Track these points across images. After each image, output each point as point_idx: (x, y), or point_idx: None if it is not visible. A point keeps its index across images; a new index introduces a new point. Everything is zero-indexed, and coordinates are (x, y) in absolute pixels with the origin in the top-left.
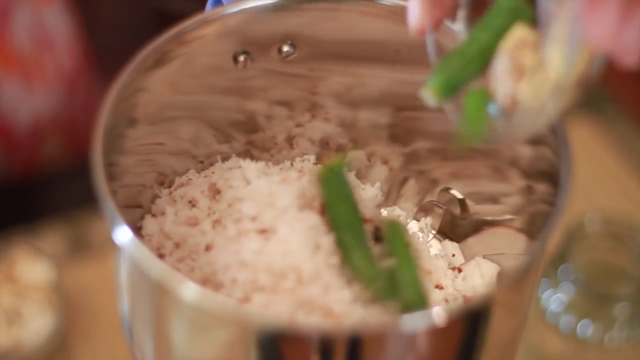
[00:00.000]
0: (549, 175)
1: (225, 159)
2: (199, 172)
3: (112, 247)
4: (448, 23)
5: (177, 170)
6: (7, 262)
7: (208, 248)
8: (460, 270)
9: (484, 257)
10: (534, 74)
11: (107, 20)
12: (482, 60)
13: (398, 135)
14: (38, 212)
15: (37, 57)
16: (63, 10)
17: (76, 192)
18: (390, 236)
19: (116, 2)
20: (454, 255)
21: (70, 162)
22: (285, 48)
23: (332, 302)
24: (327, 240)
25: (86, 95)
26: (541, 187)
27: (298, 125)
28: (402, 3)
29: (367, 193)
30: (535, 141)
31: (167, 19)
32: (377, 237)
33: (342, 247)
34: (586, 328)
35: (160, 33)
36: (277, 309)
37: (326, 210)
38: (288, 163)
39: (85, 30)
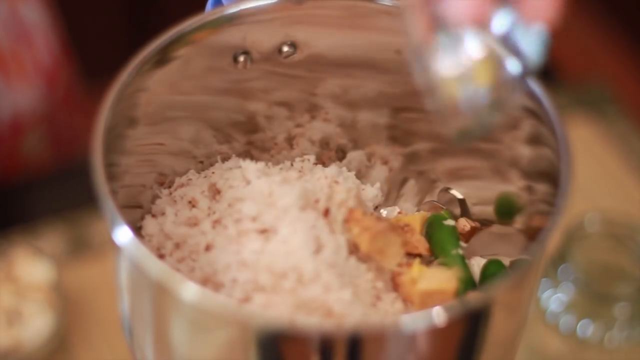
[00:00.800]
0: (549, 175)
1: (225, 159)
2: (199, 173)
3: (112, 247)
4: None
5: (177, 170)
6: (7, 262)
7: (208, 248)
8: None
9: (484, 257)
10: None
11: (85, 14)
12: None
13: (398, 135)
14: (24, 210)
15: (14, 51)
16: (40, 4)
17: (61, 188)
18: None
19: (96, 10)
20: None
21: (51, 157)
22: (285, 48)
23: (333, 302)
24: (328, 240)
25: (66, 89)
26: (541, 187)
27: (298, 125)
28: (403, 3)
29: (367, 193)
30: (535, 141)
31: (145, 13)
32: None
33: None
34: (586, 328)
35: (138, 28)
36: (277, 309)
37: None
38: (288, 163)
39: (64, 23)
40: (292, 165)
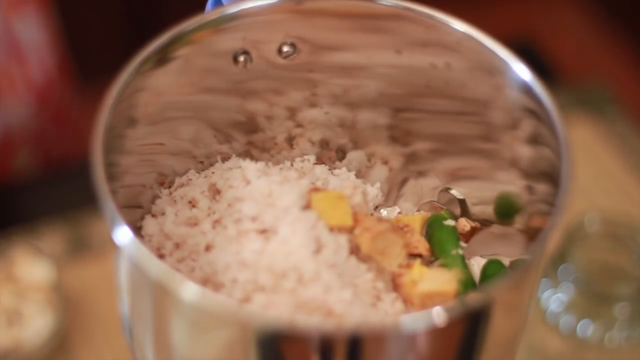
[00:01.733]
0: (549, 175)
1: (225, 159)
2: (199, 173)
3: (112, 247)
4: None
5: (177, 170)
6: (7, 262)
7: (208, 248)
8: None
9: (484, 257)
10: None
11: (85, 14)
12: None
13: (398, 135)
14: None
15: (5, 67)
16: (36, 20)
17: (61, 188)
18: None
19: (94, 9)
20: None
21: (42, 172)
22: (285, 48)
23: (333, 302)
24: (328, 240)
25: (58, 106)
26: (541, 187)
27: (298, 125)
28: (403, 3)
29: (367, 193)
30: (535, 141)
31: (145, 13)
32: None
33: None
34: (586, 328)
35: (138, 28)
36: (277, 309)
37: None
38: (288, 163)
39: (63, 38)
40: (292, 165)
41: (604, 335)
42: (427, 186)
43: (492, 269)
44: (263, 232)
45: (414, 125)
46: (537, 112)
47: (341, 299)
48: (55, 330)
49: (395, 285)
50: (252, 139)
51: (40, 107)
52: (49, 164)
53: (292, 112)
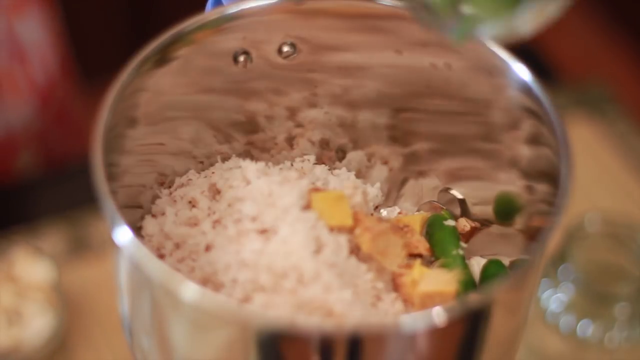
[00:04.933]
0: (549, 175)
1: (225, 159)
2: (199, 173)
3: (112, 247)
4: None
5: (177, 170)
6: (7, 262)
7: (208, 248)
8: None
9: (484, 257)
10: None
11: (85, 14)
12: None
13: (398, 136)
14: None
15: (8, 69)
16: (38, 21)
17: (61, 188)
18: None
19: (95, 9)
20: None
21: (43, 172)
22: (285, 48)
23: (333, 302)
24: (328, 240)
25: (60, 106)
26: (541, 187)
27: (298, 125)
28: (403, 3)
29: (368, 193)
30: (535, 141)
31: (145, 13)
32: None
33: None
34: (586, 328)
35: (138, 28)
36: (277, 309)
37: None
38: (288, 163)
39: (65, 39)
40: (292, 165)
41: (604, 335)
42: (427, 186)
43: (492, 269)
44: (263, 232)
45: (414, 125)
46: (537, 112)
47: (341, 299)
48: (55, 330)
49: (395, 285)
50: (252, 139)
51: (43, 107)
52: (51, 164)
53: (292, 112)
